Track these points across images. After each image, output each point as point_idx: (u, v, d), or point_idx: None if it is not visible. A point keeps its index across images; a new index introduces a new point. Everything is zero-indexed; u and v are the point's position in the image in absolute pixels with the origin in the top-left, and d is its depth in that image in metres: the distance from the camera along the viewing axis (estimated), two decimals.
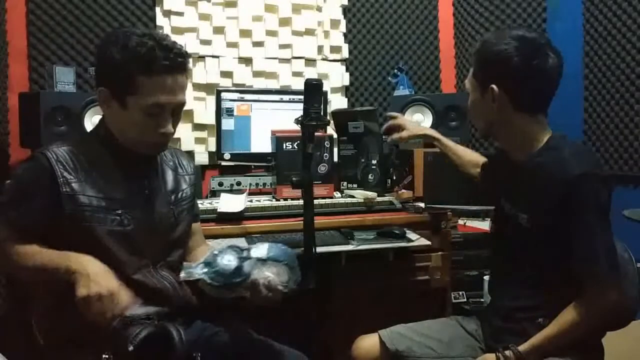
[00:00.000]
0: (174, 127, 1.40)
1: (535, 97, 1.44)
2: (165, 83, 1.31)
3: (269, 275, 1.33)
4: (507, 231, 1.54)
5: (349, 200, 2.15)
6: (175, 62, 1.32)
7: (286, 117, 2.07)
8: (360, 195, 2.17)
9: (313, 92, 1.56)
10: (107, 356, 1.19)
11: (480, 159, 1.84)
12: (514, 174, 1.49)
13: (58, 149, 1.36)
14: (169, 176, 1.51)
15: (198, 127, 2.57)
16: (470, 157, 1.87)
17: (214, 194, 2.26)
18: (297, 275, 1.38)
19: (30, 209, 1.33)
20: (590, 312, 1.33)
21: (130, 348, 1.18)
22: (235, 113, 2.43)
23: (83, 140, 1.43)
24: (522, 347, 1.37)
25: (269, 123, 2.36)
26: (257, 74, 2.67)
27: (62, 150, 1.36)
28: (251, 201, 2.06)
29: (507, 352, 1.37)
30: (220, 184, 2.29)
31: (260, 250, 1.37)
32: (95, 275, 1.22)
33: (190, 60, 1.43)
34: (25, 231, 1.34)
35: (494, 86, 1.41)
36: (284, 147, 2.09)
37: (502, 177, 1.57)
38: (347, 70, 2.83)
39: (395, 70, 2.79)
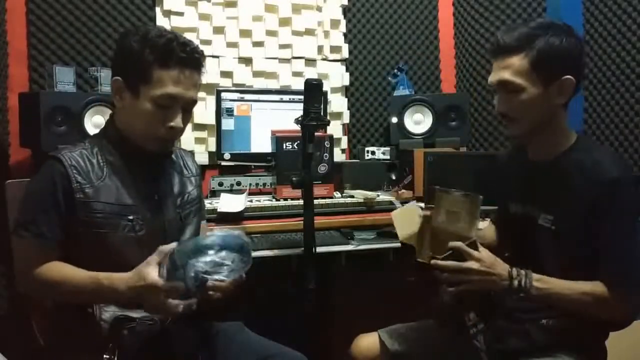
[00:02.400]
0: (184, 124, 1.40)
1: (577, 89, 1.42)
2: (180, 76, 1.33)
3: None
4: (516, 232, 1.53)
5: (349, 200, 2.15)
6: (192, 57, 1.35)
7: (286, 117, 2.08)
8: (360, 195, 2.17)
9: (313, 92, 1.57)
10: (107, 356, 1.19)
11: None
12: (536, 174, 1.47)
13: (70, 153, 1.36)
14: (175, 179, 1.51)
15: (198, 127, 2.57)
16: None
17: (214, 194, 2.26)
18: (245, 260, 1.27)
19: (60, 218, 1.32)
20: (608, 310, 1.32)
21: (132, 350, 1.19)
22: (235, 113, 2.43)
23: (91, 143, 1.42)
24: (535, 275, 1.34)
25: (269, 123, 2.37)
26: (257, 74, 2.67)
27: (75, 154, 1.36)
28: (251, 201, 2.06)
29: (522, 270, 1.34)
30: (220, 184, 2.29)
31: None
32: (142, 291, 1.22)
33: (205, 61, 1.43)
34: (56, 245, 1.32)
35: (570, 77, 1.35)
36: (284, 147, 2.09)
37: (516, 178, 1.56)
38: (347, 70, 2.83)
39: (395, 70, 2.79)
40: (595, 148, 1.40)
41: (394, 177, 2.49)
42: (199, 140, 2.58)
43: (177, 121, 1.37)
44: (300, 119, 1.57)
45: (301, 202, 1.59)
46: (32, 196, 1.35)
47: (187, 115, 1.41)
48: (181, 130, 1.41)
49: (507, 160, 1.65)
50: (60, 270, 1.30)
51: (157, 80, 1.32)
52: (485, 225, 1.71)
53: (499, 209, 1.67)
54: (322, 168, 2.16)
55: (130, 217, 1.36)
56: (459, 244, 1.35)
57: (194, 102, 1.40)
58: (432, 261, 1.37)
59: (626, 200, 1.32)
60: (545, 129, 1.42)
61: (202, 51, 1.40)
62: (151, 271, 1.22)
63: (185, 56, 1.33)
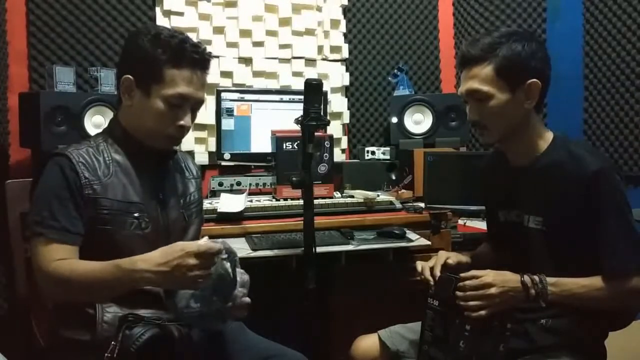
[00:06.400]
0: (191, 123, 1.42)
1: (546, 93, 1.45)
2: (191, 76, 1.36)
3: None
4: (508, 238, 1.54)
5: (349, 200, 2.15)
6: (203, 57, 1.39)
7: (286, 117, 2.07)
8: (360, 195, 2.17)
9: (313, 92, 1.57)
10: (108, 355, 1.19)
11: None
12: (519, 178, 1.48)
13: (77, 150, 1.35)
14: (178, 179, 1.51)
15: (198, 127, 2.57)
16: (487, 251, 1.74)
17: (214, 194, 2.26)
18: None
19: (78, 212, 1.30)
20: (615, 294, 1.33)
21: (133, 349, 1.19)
22: (235, 113, 2.43)
23: (97, 140, 1.42)
24: (549, 278, 1.36)
25: (269, 123, 2.36)
26: (257, 74, 2.67)
27: (81, 152, 1.35)
28: (251, 201, 2.06)
29: (534, 277, 1.36)
30: (220, 184, 2.29)
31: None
32: (160, 267, 1.20)
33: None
34: (79, 239, 1.30)
35: (535, 80, 1.38)
36: (284, 147, 2.09)
37: (500, 185, 1.56)
38: (347, 70, 2.83)
39: (395, 70, 2.79)
40: (572, 145, 1.42)
41: (394, 177, 2.49)
42: (199, 140, 2.59)
43: (187, 120, 1.38)
44: (300, 119, 1.57)
45: (301, 202, 1.59)
46: (45, 192, 1.31)
47: (194, 115, 1.43)
48: (189, 129, 1.42)
49: (489, 168, 1.66)
50: (75, 263, 1.27)
51: (170, 80, 1.33)
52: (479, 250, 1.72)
53: (489, 217, 1.68)
54: (322, 168, 2.16)
55: (137, 215, 1.36)
56: (470, 273, 1.39)
57: (202, 102, 1.42)
58: (458, 292, 1.38)
59: (613, 187, 1.34)
60: (519, 134, 1.45)
61: (210, 52, 1.43)
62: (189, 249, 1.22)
63: (197, 57, 1.37)
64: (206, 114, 2.54)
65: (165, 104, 1.34)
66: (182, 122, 1.37)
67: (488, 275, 1.37)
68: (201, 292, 1.26)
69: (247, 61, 2.66)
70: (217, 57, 2.60)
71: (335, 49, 2.81)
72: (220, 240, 1.30)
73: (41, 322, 1.48)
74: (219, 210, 1.94)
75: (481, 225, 2.22)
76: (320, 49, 2.77)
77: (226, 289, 1.29)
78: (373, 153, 2.60)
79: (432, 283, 1.47)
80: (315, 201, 1.68)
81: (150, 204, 1.40)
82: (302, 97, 1.58)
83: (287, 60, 2.72)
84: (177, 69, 1.34)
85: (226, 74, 2.62)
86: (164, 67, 1.33)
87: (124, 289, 1.26)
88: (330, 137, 2.20)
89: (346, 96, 2.84)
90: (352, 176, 2.41)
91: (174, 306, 1.27)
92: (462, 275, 1.40)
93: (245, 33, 2.64)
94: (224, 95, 2.41)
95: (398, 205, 2.18)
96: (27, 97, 2.15)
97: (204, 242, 1.22)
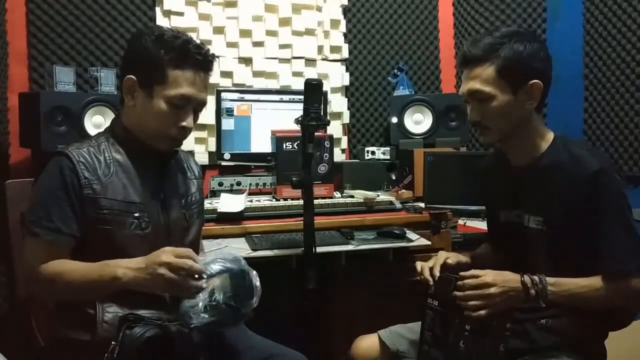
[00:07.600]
0: (193, 124, 1.42)
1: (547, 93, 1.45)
2: (194, 77, 1.36)
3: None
4: (508, 237, 1.54)
5: (349, 200, 2.15)
6: (206, 59, 1.38)
7: (286, 117, 2.07)
8: (360, 195, 2.17)
9: (313, 92, 1.57)
10: (108, 356, 1.19)
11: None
12: (519, 178, 1.48)
13: (77, 150, 1.35)
14: (179, 180, 1.51)
15: (198, 127, 2.56)
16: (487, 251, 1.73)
17: (214, 194, 2.26)
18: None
19: (74, 213, 1.31)
20: (615, 294, 1.34)
21: (133, 349, 1.19)
22: (235, 113, 2.43)
23: (98, 140, 1.42)
24: (549, 278, 1.35)
25: (269, 123, 2.36)
26: (257, 74, 2.67)
27: (82, 151, 1.35)
28: (251, 201, 2.06)
29: (534, 277, 1.36)
30: (220, 184, 2.29)
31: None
32: (146, 270, 1.22)
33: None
34: (72, 240, 1.31)
35: (537, 81, 1.38)
36: (284, 147, 2.09)
37: (501, 185, 1.57)
38: (347, 70, 2.83)
39: (395, 70, 2.79)
40: (572, 145, 1.42)
41: (394, 177, 2.49)
42: (199, 140, 2.59)
43: (189, 121, 1.39)
44: (300, 119, 1.57)
45: (301, 202, 1.59)
46: (43, 192, 1.33)
47: (197, 116, 1.43)
48: (190, 130, 1.42)
49: (489, 168, 1.66)
50: (63, 262, 1.29)
51: (173, 81, 1.34)
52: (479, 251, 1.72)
53: (489, 217, 1.68)
54: (322, 168, 2.16)
55: (137, 215, 1.36)
56: (470, 272, 1.39)
57: (204, 103, 1.42)
58: (457, 292, 1.38)
59: (613, 187, 1.34)
60: (520, 134, 1.44)
61: (213, 54, 1.43)
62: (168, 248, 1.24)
63: (201, 59, 1.36)
64: (206, 114, 2.54)
65: (168, 104, 1.34)
66: (184, 123, 1.37)
67: (488, 275, 1.37)
68: (212, 302, 1.25)
69: (247, 61, 2.66)
70: (217, 57, 2.60)
71: (335, 49, 2.81)
72: (222, 254, 1.30)
73: (41, 322, 1.48)
74: (219, 210, 1.94)
75: (481, 225, 2.22)
76: (320, 49, 2.77)
77: (239, 294, 1.28)
78: (373, 153, 2.60)
79: (431, 283, 1.47)
80: (315, 201, 1.69)
81: (151, 204, 1.40)
82: (302, 97, 1.58)
83: (287, 60, 2.72)
84: (180, 69, 1.34)
85: (226, 74, 2.62)
86: (167, 67, 1.33)
87: (108, 287, 1.26)
88: (330, 137, 2.20)
89: (346, 96, 2.84)
90: (352, 176, 2.41)
91: (184, 320, 1.26)
92: (462, 274, 1.40)
93: (245, 33, 2.64)
94: (224, 95, 2.42)
95: (398, 205, 2.18)
96: (27, 97, 2.15)
97: (178, 260, 1.21)
